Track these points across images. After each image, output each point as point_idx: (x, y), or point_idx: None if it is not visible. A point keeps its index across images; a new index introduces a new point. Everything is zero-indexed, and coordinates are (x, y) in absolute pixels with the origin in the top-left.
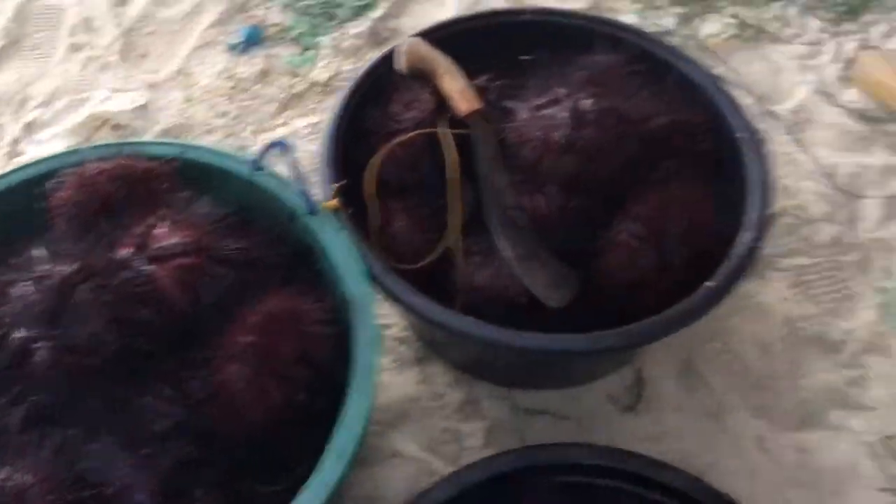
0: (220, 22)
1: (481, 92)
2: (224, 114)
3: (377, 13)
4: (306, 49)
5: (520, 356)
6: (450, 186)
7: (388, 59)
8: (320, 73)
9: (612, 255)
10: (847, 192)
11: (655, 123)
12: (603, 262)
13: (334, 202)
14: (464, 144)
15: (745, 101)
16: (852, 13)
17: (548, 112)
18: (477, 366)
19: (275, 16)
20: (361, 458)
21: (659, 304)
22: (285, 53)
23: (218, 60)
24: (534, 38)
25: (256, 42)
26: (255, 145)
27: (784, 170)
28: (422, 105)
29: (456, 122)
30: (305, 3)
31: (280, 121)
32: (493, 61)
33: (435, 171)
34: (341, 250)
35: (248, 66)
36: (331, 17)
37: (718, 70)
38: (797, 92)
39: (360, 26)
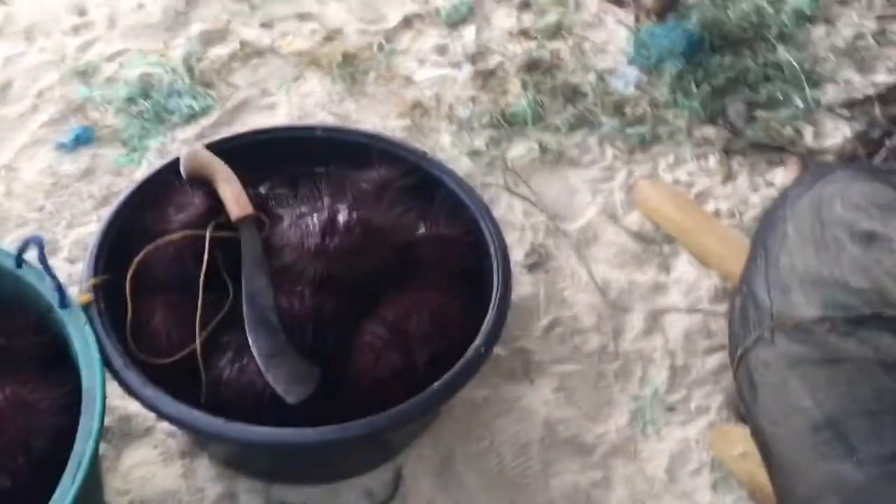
0: (55, 121)
1: (258, 199)
2: (40, 208)
3: (209, 120)
4: (133, 150)
5: (250, 450)
6: (198, 285)
7: (173, 166)
8: (143, 173)
9: (360, 355)
10: (616, 306)
11: (411, 235)
12: (354, 361)
13: (87, 297)
14: (234, 247)
15: (538, 218)
16: (644, 144)
17: (306, 220)
18: (234, 460)
19: (109, 118)
20: None
21: (408, 398)
22: (112, 154)
23: (44, 158)
24: (325, 152)
25: (87, 142)
26: (67, 239)
27: (565, 283)
28: (192, 209)
29: (229, 225)
30: (139, 107)
31: (94, 217)
32: (283, 171)
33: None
34: (83, 343)
35: (73, 164)
36: (162, 122)
37: (520, 189)
38: (587, 212)
39: (189, 132)
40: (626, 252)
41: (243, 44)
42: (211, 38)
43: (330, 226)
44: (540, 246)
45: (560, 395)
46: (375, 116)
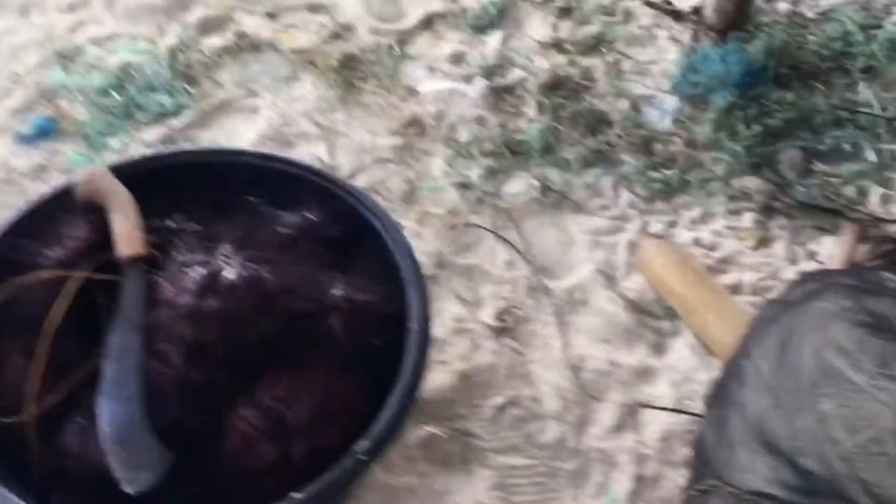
0: (22, 108)
1: (160, 235)
2: None
3: (180, 122)
4: (92, 148)
5: None
6: (41, 339)
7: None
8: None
9: (228, 440)
10: (588, 390)
11: (317, 300)
12: (224, 444)
13: None
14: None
15: (521, 271)
16: (668, 192)
17: (187, 272)
18: None
19: (77, 109)
20: None
21: (281, 493)
22: (71, 151)
23: (1, 149)
24: (257, 181)
25: (47, 135)
26: None
27: (534, 354)
28: (70, 243)
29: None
30: (110, 101)
31: None
32: (206, 198)
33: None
34: None
35: (28, 158)
36: (130, 118)
37: (508, 233)
38: (581, 269)
39: (155, 132)
40: (616, 324)
41: (240, 35)
42: (209, 25)
43: (210, 283)
44: (515, 306)
45: (498, 495)
46: (364, 131)
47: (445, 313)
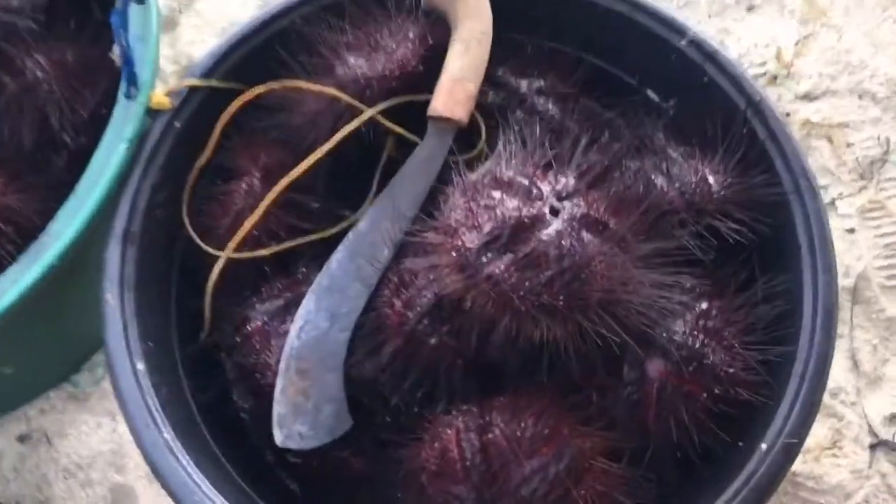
0: None
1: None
2: None
3: None
4: None
5: None
6: (289, 172)
7: None
8: None
9: (424, 450)
10: None
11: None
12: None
13: (165, 100)
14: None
15: None
16: None
17: (497, 188)
18: None
19: None
20: None
21: None
22: None
23: None
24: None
25: None
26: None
27: None
28: (378, 58)
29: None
30: None
31: None
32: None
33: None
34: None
35: None
36: None
37: None
38: None
39: None
40: None
41: None
42: None
43: (520, 228)
44: None
45: None
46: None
47: None
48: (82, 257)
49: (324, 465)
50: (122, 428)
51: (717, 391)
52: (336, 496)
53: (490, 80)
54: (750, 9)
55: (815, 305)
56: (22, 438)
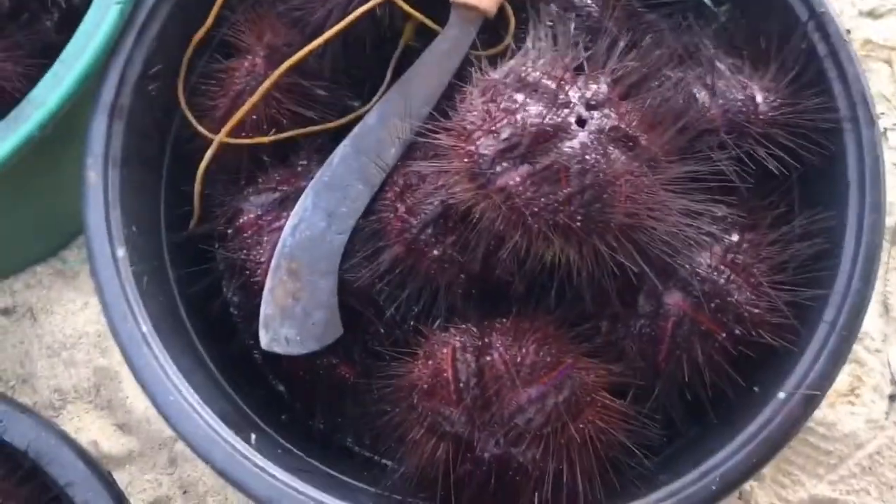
0: None
1: None
2: None
3: None
4: None
5: None
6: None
7: None
8: None
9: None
10: None
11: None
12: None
13: None
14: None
15: None
16: None
17: (519, 86)
18: None
19: None
20: None
21: None
22: None
23: None
24: None
25: None
26: None
27: None
28: None
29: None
30: None
31: None
32: None
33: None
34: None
35: None
36: None
37: None
38: None
39: None
40: None
41: None
42: None
43: (542, 132)
44: None
45: None
46: None
47: None
48: (71, 128)
49: (311, 371)
50: None
51: (737, 332)
52: (323, 402)
53: None
54: None
55: (858, 248)
56: (6, 311)
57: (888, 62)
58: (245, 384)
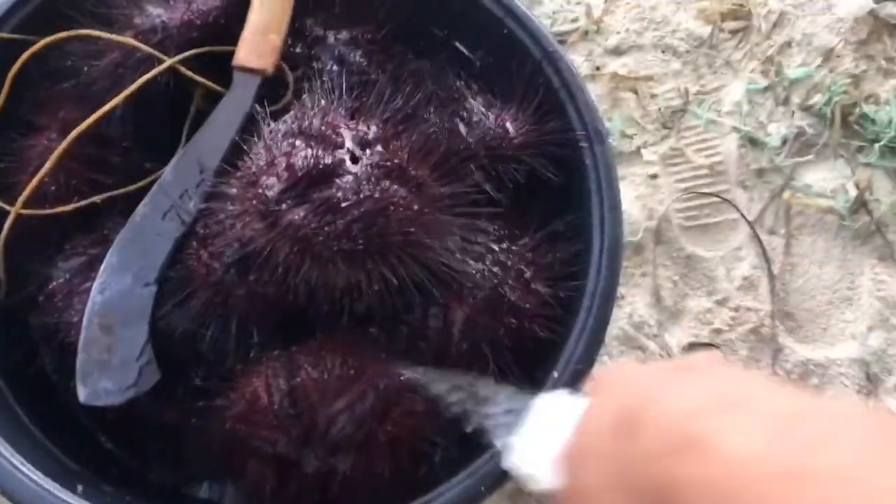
0: None
1: (306, 47)
2: None
3: None
4: None
5: None
6: (82, 122)
7: None
8: None
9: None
10: None
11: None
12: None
13: None
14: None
15: (761, 302)
16: None
17: (298, 138)
18: None
19: None
20: None
21: None
22: None
23: None
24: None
25: None
26: None
27: None
28: (180, 7)
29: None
30: None
31: None
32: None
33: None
34: None
35: None
36: None
37: (771, 239)
38: (852, 341)
39: None
40: None
41: None
42: None
43: (320, 173)
44: (716, 345)
45: None
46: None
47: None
48: None
49: (135, 419)
50: None
51: (514, 327)
52: (152, 449)
53: (297, 31)
54: None
55: (602, 242)
56: None
57: (634, 91)
58: (74, 447)
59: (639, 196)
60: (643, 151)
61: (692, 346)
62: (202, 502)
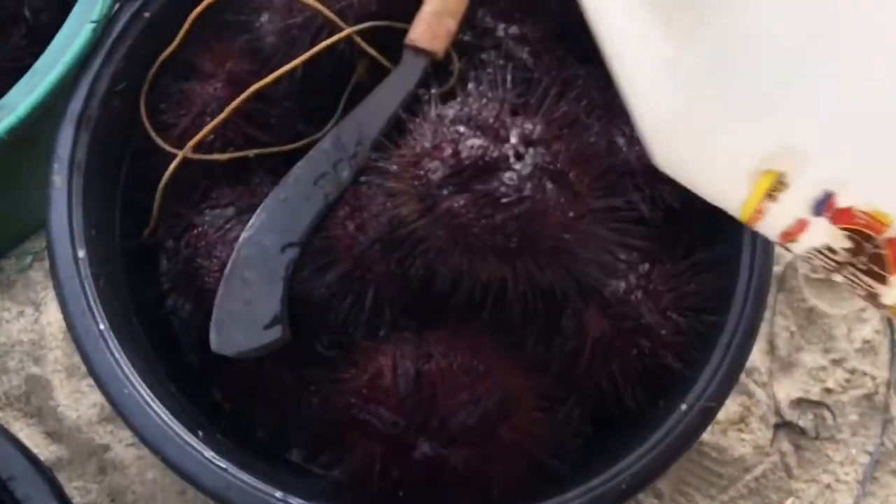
0: None
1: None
2: None
3: None
4: None
5: None
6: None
7: None
8: None
9: (351, 380)
10: None
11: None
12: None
13: None
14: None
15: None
16: None
17: (466, 123)
18: None
19: None
20: None
21: None
22: None
23: None
24: None
25: None
26: None
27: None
28: None
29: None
30: None
31: None
32: None
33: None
34: None
35: None
36: None
37: None
38: None
39: None
40: None
41: None
42: None
43: (482, 167)
44: (826, 404)
45: None
46: None
47: None
48: (32, 140)
49: (252, 376)
50: (45, 319)
51: (647, 351)
52: (260, 408)
53: (469, 19)
54: None
55: (750, 281)
56: None
57: None
58: (188, 392)
59: None
60: None
61: (800, 402)
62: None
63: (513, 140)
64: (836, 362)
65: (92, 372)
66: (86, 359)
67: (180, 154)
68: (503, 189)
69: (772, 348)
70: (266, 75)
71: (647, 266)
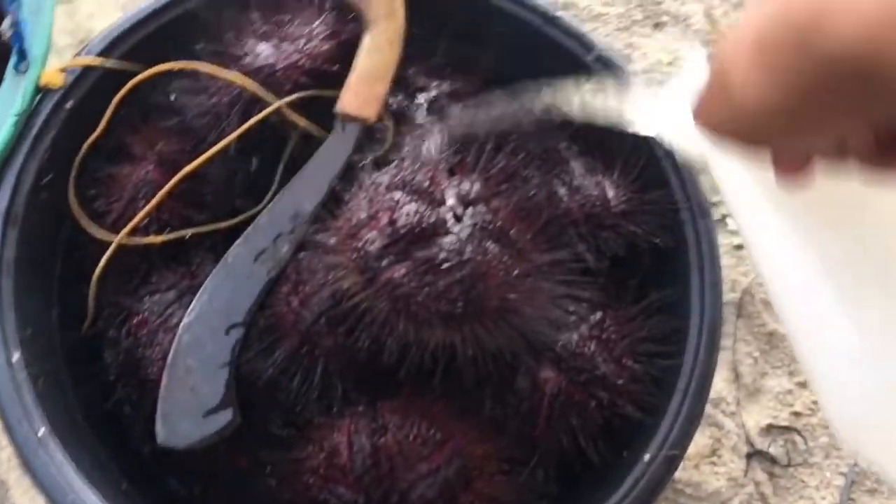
0: None
1: (409, 96)
2: None
3: None
4: None
5: None
6: (190, 160)
7: None
8: None
9: (308, 454)
10: None
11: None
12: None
13: (57, 78)
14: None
15: None
16: None
17: (400, 191)
18: None
19: None
20: None
21: None
22: None
23: None
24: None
25: None
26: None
27: None
28: (286, 48)
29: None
30: None
31: None
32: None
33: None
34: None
35: None
36: None
37: None
38: None
39: None
40: None
41: None
42: None
43: (421, 233)
44: (798, 430)
45: None
46: None
47: None
48: None
49: (207, 462)
50: None
51: (605, 402)
52: (218, 493)
53: (399, 80)
54: (656, 26)
55: (702, 322)
56: None
57: None
58: (142, 482)
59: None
60: (728, 220)
61: (770, 428)
62: None
63: (450, 202)
64: (802, 385)
65: (34, 480)
66: (26, 467)
67: (115, 240)
68: (443, 254)
69: (736, 376)
70: (198, 153)
71: (598, 315)
